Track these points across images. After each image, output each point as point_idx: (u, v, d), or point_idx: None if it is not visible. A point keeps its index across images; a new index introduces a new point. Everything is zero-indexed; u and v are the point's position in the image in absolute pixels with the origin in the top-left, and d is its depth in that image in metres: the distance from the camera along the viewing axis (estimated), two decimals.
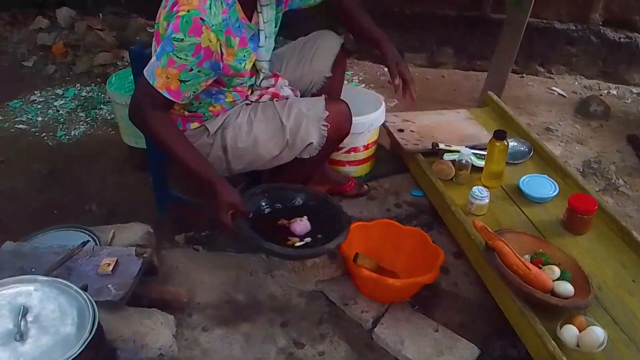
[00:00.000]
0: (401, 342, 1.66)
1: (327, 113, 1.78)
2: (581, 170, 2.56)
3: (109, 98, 2.86)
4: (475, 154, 2.10)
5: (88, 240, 1.73)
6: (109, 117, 2.94)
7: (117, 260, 1.63)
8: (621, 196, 2.48)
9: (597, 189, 2.44)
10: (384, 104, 2.17)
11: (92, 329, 1.27)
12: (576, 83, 3.30)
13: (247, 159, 1.85)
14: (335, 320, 1.76)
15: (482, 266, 1.75)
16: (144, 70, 1.59)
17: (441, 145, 2.11)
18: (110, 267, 1.60)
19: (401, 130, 2.27)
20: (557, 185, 2.02)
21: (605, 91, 3.23)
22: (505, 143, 1.97)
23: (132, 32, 3.64)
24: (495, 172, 2.03)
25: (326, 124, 1.78)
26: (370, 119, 2.10)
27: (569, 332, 1.49)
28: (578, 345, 1.47)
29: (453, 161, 2.08)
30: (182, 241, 2.11)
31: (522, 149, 2.24)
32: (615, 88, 3.26)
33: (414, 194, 2.17)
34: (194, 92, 1.64)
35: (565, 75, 3.36)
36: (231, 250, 2.07)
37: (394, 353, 1.65)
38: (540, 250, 1.72)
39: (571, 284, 1.61)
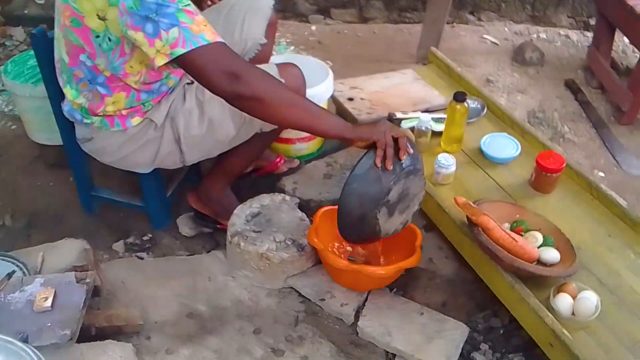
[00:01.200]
0: (388, 333, 1.54)
1: (283, 80, 1.59)
2: (527, 121, 2.52)
3: (3, 87, 2.46)
4: (432, 119, 1.97)
5: (14, 271, 1.45)
6: (6, 109, 2.52)
7: (55, 291, 1.37)
8: (568, 143, 2.49)
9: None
10: (331, 72, 1.98)
11: None
12: (506, 29, 3.26)
13: (203, 147, 1.65)
14: (313, 319, 1.61)
15: (460, 241, 1.65)
16: (182, 48, 1.23)
17: (398, 115, 1.97)
18: (49, 301, 1.35)
19: (351, 99, 2.10)
20: (518, 144, 1.95)
21: (535, 35, 3.21)
22: (466, 105, 1.86)
23: (18, 5, 3.17)
24: (456, 136, 1.92)
25: None
26: (320, 90, 1.91)
27: (563, 302, 1.43)
28: (573, 314, 1.42)
29: (412, 129, 1.95)
30: (121, 250, 1.85)
31: (475, 106, 2.14)
32: (544, 31, 3.24)
33: None
34: None
35: (495, 22, 3.30)
36: (181, 252, 1.86)
37: (383, 346, 1.53)
38: (518, 216, 1.65)
39: (555, 249, 1.55)
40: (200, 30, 1.25)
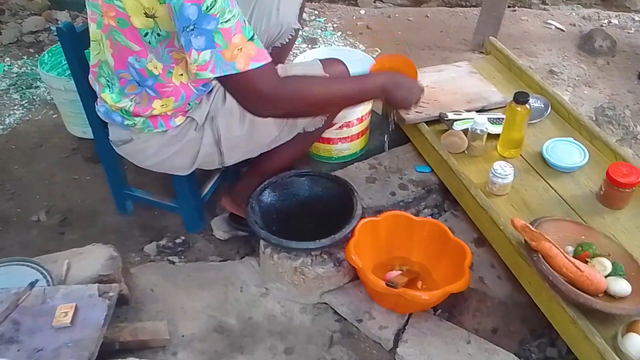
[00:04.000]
0: None
1: (328, 77, 1.50)
2: (594, 119, 2.29)
3: None
4: (489, 119, 1.79)
5: (37, 280, 1.39)
6: (48, 97, 2.49)
7: (75, 305, 1.30)
8: None
9: (615, 140, 2.18)
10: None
11: None
12: (574, 14, 2.98)
13: (243, 149, 1.56)
14: (348, 341, 1.49)
15: (516, 262, 1.49)
16: (211, 73, 1.20)
17: (450, 115, 1.79)
18: (69, 317, 1.27)
19: None
20: (586, 151, 1.74)
21: (606, 21, 2.92)
22: (528, 107, 1.67)
23: None
24: (515, 140, 1.74)
25: None
26: None
27: (634, 343, 1.25)
28: None
29: (465, 131, 1.77)
30: (153, 252, 1.78)
31: (538, 105, 1.94)
32: (617, 17, 2.95)
33: (419, 170, 1.86)
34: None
35: (561, 6, 3.03)
36: (214, 257, 1.77)
37: None
38: (583, 237, 1.46)
39: (626, 279, 1.36)
40: (233, 58, 1.18)
